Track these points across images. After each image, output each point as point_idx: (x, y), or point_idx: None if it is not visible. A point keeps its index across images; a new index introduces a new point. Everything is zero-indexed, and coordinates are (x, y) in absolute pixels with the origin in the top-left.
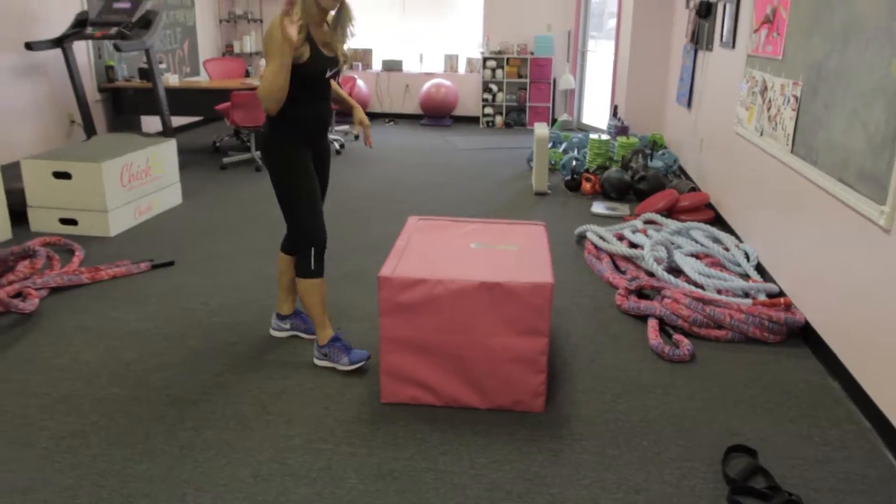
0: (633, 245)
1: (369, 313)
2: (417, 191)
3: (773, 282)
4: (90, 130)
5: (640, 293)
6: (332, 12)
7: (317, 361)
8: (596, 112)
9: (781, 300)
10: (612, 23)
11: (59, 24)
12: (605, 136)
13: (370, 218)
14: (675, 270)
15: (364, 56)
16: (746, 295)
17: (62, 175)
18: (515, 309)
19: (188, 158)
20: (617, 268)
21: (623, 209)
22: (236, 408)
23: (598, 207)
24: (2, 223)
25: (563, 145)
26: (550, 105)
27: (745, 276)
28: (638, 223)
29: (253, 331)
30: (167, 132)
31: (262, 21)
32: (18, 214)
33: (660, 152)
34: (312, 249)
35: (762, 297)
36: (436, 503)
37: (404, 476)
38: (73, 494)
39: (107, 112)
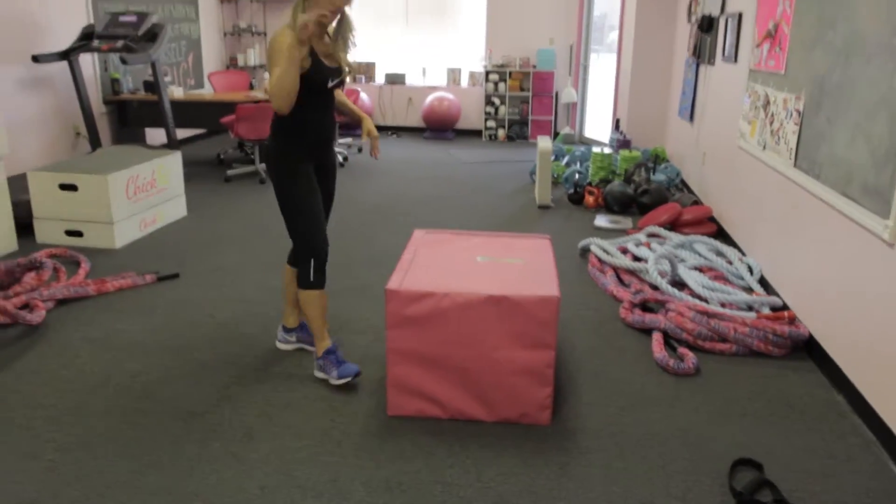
0: (636, 258)
1: (374, 325)
2: (421, 204)
3: (777, 295)
4: (95, 142)
5: (645, 306)
6: (333, 24)
7: (316, 373)
8: (598, 125)
9: (785, 314)
10: (613, 36)
11: (66, 37)
12: (607, 150)
13: (375, 231)
14: (679, 284)
15: (367, 69)
16: (750, 308)
17: (68, 187)
18: (522, 322)
19: (192, 171)
20: (621, 281)
21: (626, 222)
22: (243, 420)
23: (602, 221)
24: (8, 235)
25: (566, 158)
26: (553, 118)
27: (749, 290)
28: (641, 236)
29: (259, 343)
30: (172, 144)
31: (265, 34)
32: (24, 226)
33: (662, 166)
34: (312, 261)
35: (766, 311)
36: None
37: (412, 489)
38: None
39: (112, 124)
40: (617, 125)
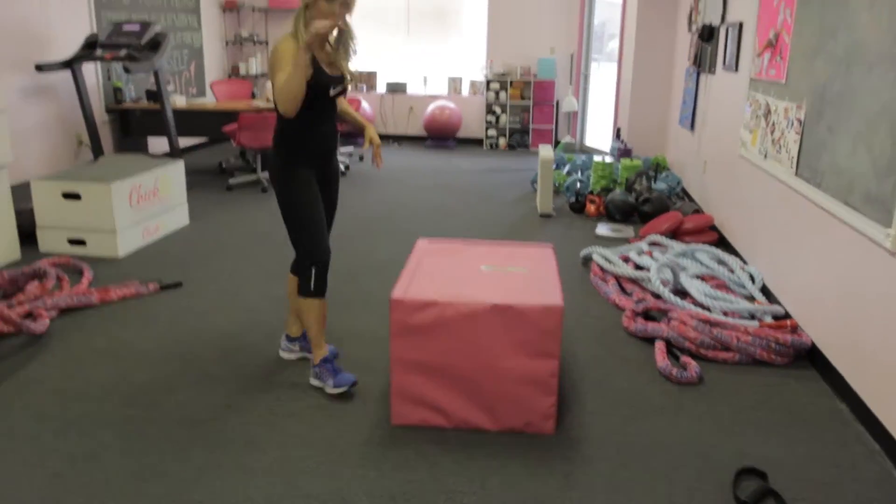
0: (638, 267)
1: (377, 334)
2: (423, 212)
3: (779, 304)
4: (98, 151)
5: (647, 315)
6: (334, 32)
7: (311, 380)
8: (598, 134)
9: (787, 322)
10: (612, 44)
11: (69, 46)
12: (608, 159)
13: (377, 239)
14: (681, 292)
15: (369, 78)
16: (752, 317)
17: (72, 196)
18: (526, 331)
19: (194, 179)
20: (623, 290)
21: (627, 231)
22: (248, 429)
23: (603, 229)
24: (11, 243)
25: (567, 167)
26: (553, 127)
27: (751, 298)
28: (643, 245)
29: (262, 352)
30: (174, 153)
31: (267, 43)
32: (27, 235)
33: (663, 174)
34: (314, 269)
35: (768, 320)
36: None
37: (416, 498)
38: None
39: (114, 133)
40: (618, 134)
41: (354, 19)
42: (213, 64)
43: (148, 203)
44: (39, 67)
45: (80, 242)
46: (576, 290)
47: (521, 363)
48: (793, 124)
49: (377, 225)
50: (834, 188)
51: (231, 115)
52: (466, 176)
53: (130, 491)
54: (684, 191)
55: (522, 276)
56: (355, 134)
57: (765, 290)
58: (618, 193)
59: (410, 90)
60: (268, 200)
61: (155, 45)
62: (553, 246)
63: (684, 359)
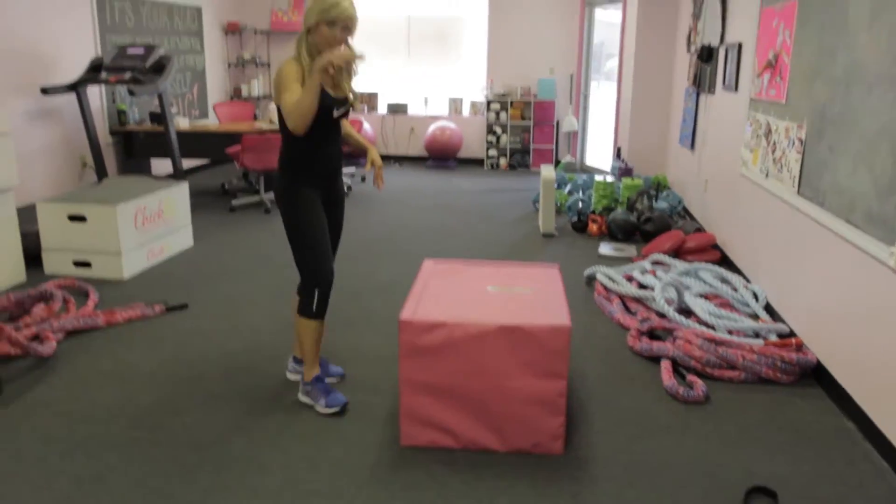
0: (642, 286)
1: (381, 354)
2: (425, 233)
3: (783, 322)
4: (101, 173)
5: (652, 334)
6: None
7: (300, 396)
8: (598, 153)
9: (793, 340)
10: (610, 64)
11: (74, 69)
12: (609, 178)
13: (380, 260)
14: (686, 311)
15: (370, 99)
16: (757, 335)
17: (77, 218)
18: (534, 352)
19: (197, 201)
20: (627, 309)
21: (630, 250)
22: (256, 451)
23: (605, 249)
24: (16, 266)
25: (568, 187)
26: (554, 147)
27: (755, 317)
28: (646, 264)
29: (269, 373)
30: (178, 175)
31: (269, 65)
32: (33, 257)
33: (663, 193)
34: (317, 291)
35: (773, 338)
36: None
37: None
38: None
39: (117, 154)
40: (618, 153)
41: (356, 41)
42: (216, 86)
43: (153, 225)
44: (45, 90)
45: (86, 264)
46: (580, 310)
47: (529, 383)
48: (794, 144)
49: (379, 245)
50: (836, 207)
51: (234, 137)
52: (468, 196)
53: None
54: (685, 209)
55: (529, 296)
56: (358, 155)
57: (768, 309)
58: (619, 213)
59: (411, 111)
60: (270, 222)
61: (159, 67)
62: (559, 266)
63: (690, 377)
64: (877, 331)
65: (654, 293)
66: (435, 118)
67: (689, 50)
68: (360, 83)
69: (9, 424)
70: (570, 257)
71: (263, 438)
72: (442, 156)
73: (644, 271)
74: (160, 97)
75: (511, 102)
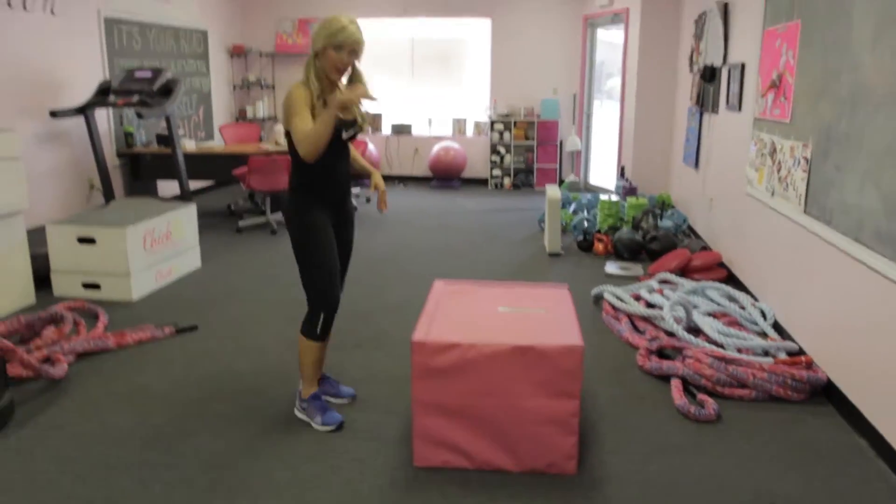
0: (650, 305)
1: (392, 374)
2: (431, 253)
3: (792, 340)
4: (109, 195)
5: (661, 353)
6: (343, 79)
7: (297, 412)
8: (602, 172)
9: (802, 358)
10: (611, 83)
11: (83, 93)
12: (614, 197)
13: (387, 280)
14: (694, 330)
15: (374, 120)
16: (766, 353)
17: (87, 240)
18: (547, 372)
19: (203, 222)
20: (636, 328)
21: (636, 269)
22: (268, 472)
23: (612, 268)
24: (26, 288)
25: (573, 206)
26: (557, 166)
27: (763, 335)
28: (653, 283)
29: (280, 394)
30: (185, 196)
31: (274, 87)
32: (42, 279)
33: (668, 212)
34: (322, 313)
35: (782, 356)
36: None
37: None
38: None
39: (124, 176)
40: (622, 172)
41: (362, 64)
42: (221, 108)
43: (161, 246)
44: (54, 114)
45: (95, 286)
46: (588, 329)
47: (542, 403)
48: (799, 163)
49: (385, 266)
50: (844, 225)
51: (240, 158)
52: (472, 216)
53: None
54: (690, 228)
55: (541, 316)
56: (362, 175)
57: (776, 327)
58: (625, 232)
59: (415, 131)
60: (277, 242)
61: (167, 90)
62: (568, 286)
63: (701, 396)
64: (887, 348)
65: (662, 312)
66: (439, 138)
67: (691, 70)
68: (366, 105)
69: (22, 447)
70: (577, 276)
71: (275, 459)
72: (446, 176)
73: (651, 290)
74: (168, 120)
75: (514, 122)
